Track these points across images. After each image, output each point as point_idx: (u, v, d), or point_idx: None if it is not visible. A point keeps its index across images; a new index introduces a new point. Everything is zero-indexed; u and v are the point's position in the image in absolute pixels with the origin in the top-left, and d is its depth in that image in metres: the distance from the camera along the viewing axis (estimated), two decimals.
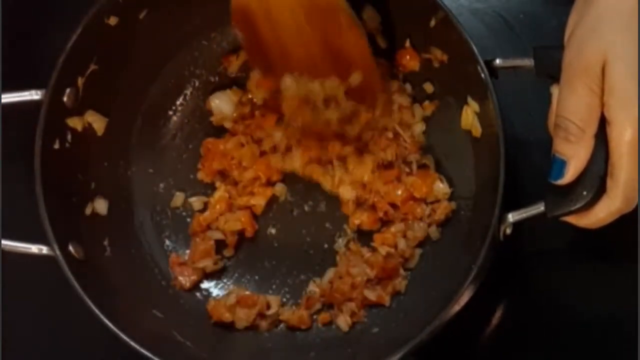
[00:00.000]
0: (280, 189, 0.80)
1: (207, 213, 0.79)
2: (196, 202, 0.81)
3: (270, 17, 0.72)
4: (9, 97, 0.72)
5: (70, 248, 0.71)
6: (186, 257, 0.80)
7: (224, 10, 0.80)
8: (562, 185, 0.63)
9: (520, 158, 0.77)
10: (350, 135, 0.77)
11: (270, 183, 0.80)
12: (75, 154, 0.75)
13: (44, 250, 0.69)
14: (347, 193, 0.77)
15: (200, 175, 0.81)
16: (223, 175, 0.81)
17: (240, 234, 0.80)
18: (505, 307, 0.76)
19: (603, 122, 0.60)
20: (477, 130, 0.73)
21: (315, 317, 0.77)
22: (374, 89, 0.76)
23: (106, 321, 0.67)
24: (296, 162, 0.78)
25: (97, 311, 0.67)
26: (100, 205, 0.77)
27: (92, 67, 0.74)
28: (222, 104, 0.82)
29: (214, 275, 0.80)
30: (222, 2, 0.79)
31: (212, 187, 0.81)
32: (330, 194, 0.79)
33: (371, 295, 0.75)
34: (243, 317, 0.76)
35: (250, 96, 0.82)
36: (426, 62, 0.77)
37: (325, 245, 0.79)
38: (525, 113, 0.78)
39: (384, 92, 0.77)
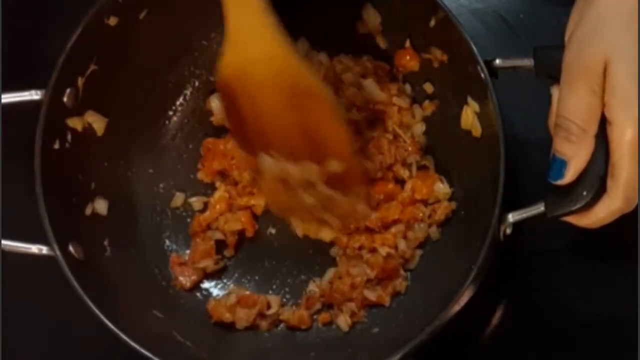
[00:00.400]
0: None
1: (207, 213, 0.80)
2: (196, 202, 0.81)
3: (252, 98, 0.70)
4: (9, 97, 0.72)
5: (70, 248, 0.70)
6: (186, 257, 0.80)
7: (223, 10, 0.81)
8: (562, 185, 0.63)
9: (520, 158, 0.77)
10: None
11: None
12: (75, 154, 0.75)
13: (44, 250, 0.69)
14: (327, 235, 0.78)
15: (200, 175, 0.81)
16: (223, 175, 0.81)
17: (241, 234, 0.80)
18: (505, 307, 0.76)
19: (603, 122, 0.61)
20: (477, 130, 0.73)
21: (315, 317, 0.77)
22: (354, 181, 0.74)
23: (106, 321, 0.67)
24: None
25: (97, 311, 0.67)
26: (101, 206, 0.77)
27: (92, 67, 0.74)
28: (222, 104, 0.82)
29: (214, 275, 0.80)
30: (220, 3, 0.79)
31: (212, 187, 0.81)
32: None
33: (371, 295, 0.76)
34: (243, 317, 0.76)
35: None
36: (426, 62, 0.77)
37: (325, 245, 0.79)
38: (525, 113, 0.78)
39: (364, 185, 0.75)
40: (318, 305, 0.77)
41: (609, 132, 0.60)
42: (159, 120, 0.83)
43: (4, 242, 0.70)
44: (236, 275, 0.80)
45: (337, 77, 0.79)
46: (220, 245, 0.80)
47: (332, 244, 0.79)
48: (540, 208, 0.65)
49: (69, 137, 0.74)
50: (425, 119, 0.79)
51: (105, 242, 0.76)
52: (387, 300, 0.76)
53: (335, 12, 0.78)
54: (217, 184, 0.81)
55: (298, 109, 0.70)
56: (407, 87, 0.80)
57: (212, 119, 0.82)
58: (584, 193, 0.63)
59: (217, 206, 0.79)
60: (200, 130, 0.82)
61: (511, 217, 0.66)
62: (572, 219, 0.65)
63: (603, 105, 0.60)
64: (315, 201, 0.74)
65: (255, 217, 0.80)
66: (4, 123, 0.73)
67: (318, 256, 0.79)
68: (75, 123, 0.75)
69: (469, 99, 0.73)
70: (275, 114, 0.70)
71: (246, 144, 0.74)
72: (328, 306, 0.77)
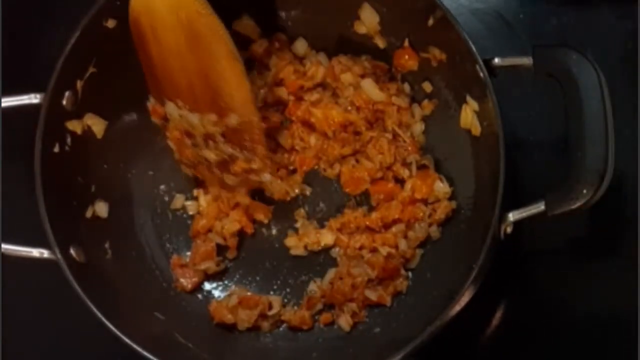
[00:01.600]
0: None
1: (204, 221, 0.79)
2: (191, 205, 0.81)
3: (157, 37, 0.71)
4: (9, 101, 0.72)
5: (72, 251, 0.71)
6: (187, 259, 0.80)
7: (222, 11, 0.80)
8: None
9: (520, 157, 0.77)
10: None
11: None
12: (75, 157, 0.75)
13: (45, 254, 0.69)
14: (327, 239, 0.78)
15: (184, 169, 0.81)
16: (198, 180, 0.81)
17: (241, 233, 0.80)
18: (506, 307, 0.76)
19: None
20: (476, 129, 0.73)
21: (316, 317, 0.77)
22: (252, 139, 0.75)
23: (108, 323, 0.68)
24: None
25: (98, 313, 0.68)
26: (101, 208, 0.77)
27: (91, 70, 0.74)
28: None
29: (216, 276, 0.80)
30: (220, 3, 0.79)
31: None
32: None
33: (372, 295, 0.76)
34: (245, 318, 0.76)
35: None
36: (425, 61, 0.77)
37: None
38: (525, 112, 0.78)
39: (262, 145, 0.75)
40: (319, 306, 0.77)
41: None
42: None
43: (4, 246, 0.70)
44: (237, 276, 0.80)
45: (336, 77, 0.79)
46: (221, 246, 0.80)
47: (332, 244, 0.79)
48: (540, 207, 0.65)
49: (69, 140, 0.74)
50: (425, 119, 0.79)
51: (106, 245, 0.76)
52: (388, 300, 0.76)
53: (334, 12, 0.78)
54: (195, 192, 0.81)
55: (196, 51, 0.71)
56: (406, 87, 0.80)
57: None
58: (584, 191, 0.63)
59: (209, 213, 0.79)
60: None
61: (511, 216, 0.67)
62: None
63: None
64: (215, 157, 0.75)
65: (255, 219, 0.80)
66: (4, 127, 0.73)
67: (319, 256, 0.79)
68: (74, 126, 0.75)
69: (468, 98, 0.73)
70: (176, 56, 0.71)
71: (156, 90, 0.75)
72: (329, 306, 0.77)
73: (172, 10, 0.70)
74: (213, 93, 0.73)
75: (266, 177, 0.77)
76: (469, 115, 0.73)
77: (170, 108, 0.74)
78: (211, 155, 0.74)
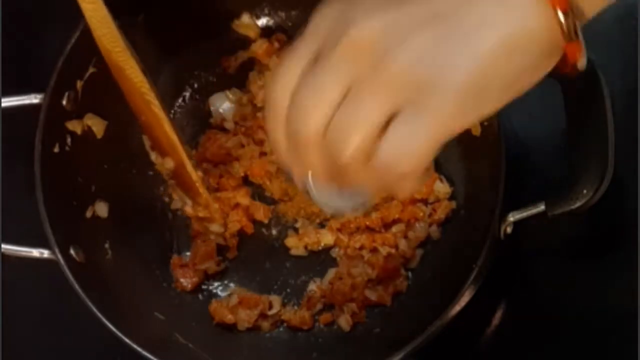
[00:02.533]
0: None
1: (200, 227, 0.79)
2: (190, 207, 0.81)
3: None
4: (9, 101, 0.72)
5: (72, 251, 0.71)
6: (187, 259, 0.80)
7: (222, 11, 0.81)
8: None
9: (520, 157, 0.77)
10: None
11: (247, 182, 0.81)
12: (75, 157, 0.75)
13: (45, 254, 0.69)
14: (327, 239, 0.78)
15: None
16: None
17: (241, 233, 0.80)
18: (506, 307, 0.76)
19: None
20: (476, 129, 0.73)
21: (316, 317, 0.77)
22: (192, 187, 0.77)
23: (108, 324, 0.67)
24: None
25: (99, 314, 0.68)
26: (101, 208, 0.77)
27: (91, 70, 0.74)
28: (221, 104, 0.82)
29: (216, 276, 0.80)
30: (219, 3, 0.79)
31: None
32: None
33: (372, 295, 0.76)
34: (245, 318, 0.76)
35: (250, 97, 0.82)
36: None
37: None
38: (525, 112, 0.78)
39: (201, 196, 0.77)
40: (319, 306, 0.77)
41: None
42: None
43: (4, 246, 0.70)
44: (237, 276, 0.80)
45: None
46: (221, 246, 0.80)
47: (332, 244, 0.79)
48: (540, 207, 0.65)
49: (69, 140, 0.74)
50: None
51: (106, 245, 0.76)
52: (388, 300, 0.76)
53: None
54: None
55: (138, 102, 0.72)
56: None
57: (212, 120, 0.82)
58: (584, 191, 0.63)
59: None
60: (200, 132, 0.82)
61: (511, 216, 0.66)
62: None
63: None
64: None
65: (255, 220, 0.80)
66: (4, 127, 0.73)
67: (319, 256, 0.79)
68: (74, 126, 0.75)
69: None
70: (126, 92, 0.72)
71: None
72: (329, 306, 0.77)
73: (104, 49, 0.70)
74: (150, 131, 0.74)
75: (214, 227, 0.78)
76: None
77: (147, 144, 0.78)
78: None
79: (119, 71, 0.69)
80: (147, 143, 0.78)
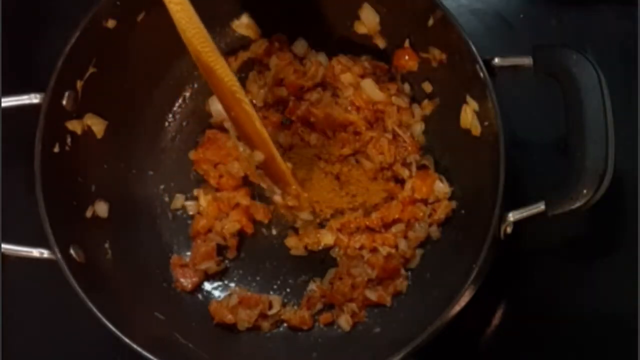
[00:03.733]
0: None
1: (204, 221, 0.80)
2: (191, 206, 0.81)
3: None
4: (9, 101, 0.72)
5: (72, 251, 0.71)
6: (187, 259, 0.80)
7: (221, 11, 0.81)
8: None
9: (520, 158, 0.77)
10: None
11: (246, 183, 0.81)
12: (75, 157, 0.75)
13: (45, 254, 0.69)
14: (327, 239, 0.78)
15: (194, 165, 0.81)
16: (202, 181, 0.81)
17: (241, 233, 0.80)
18: (506, 307, 0.76)
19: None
20: (476, 129, 0.73)
21: (316, 317, 0.77)
22: (283, 178, 0.77)
23: (108, 324, 0.67)
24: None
25: (99, 314, 0.68)
26: (101, 208, 0.77)
27: (91, 70, 0.74)
28: (221, 105, 0.82)
29: (216, 276, 0.80)
30: (219, 3, 0.79)
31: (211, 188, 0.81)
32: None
33: (372, 295, 0.76)
34: (245, 318, 0.76)
35: (250, 97, 0.82)
36: (425, 61, 0.77)
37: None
38: (525, 113, 0.78)
39: (291, 185, 0.78)
40: (319, 306, 0.77)
41: None
42: (159, 122, 0.83)
43: (4, 246, 0.70)
44: (237, 276, 0.80)
45: (336, 77, 0.79)
46: (221, 246, 0.80)
47: (332, 244, 0.79)
48: (540, 207, 0.65)
49: (69, 140, 0.74)
50: (425, 119, 0.79)
51: (106, 245, 0.76)
52: (388, 300, 0.76)
53: (334, 12, 0.78)
54: (195, 191, 0.81)
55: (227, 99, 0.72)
56: (406, 87, 0.80)
57: (212, 120, 0.82)
58: (584, 191, 0.63)
59: (209, 213, 0.79)
60: (200, 132, 0.82)
61: (511, 216, 0.67)
62: None
63: None
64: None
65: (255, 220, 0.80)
66: (4, 127, 0.73)
67: (319, 256, 0.79)
68: (74, 126, 0.75)
69: (468, 98, 0.73)
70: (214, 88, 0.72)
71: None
72: (329, 306, 0.77)
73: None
74: (239, 125, 0.75)
75: (304, 215, 0.79)
76: (469, 115, 0.73)
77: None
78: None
79: (209, 71, 0.69)
80: (233, 134, 0.78)
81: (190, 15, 0.66)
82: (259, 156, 0.76)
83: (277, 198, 0.79)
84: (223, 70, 0.70)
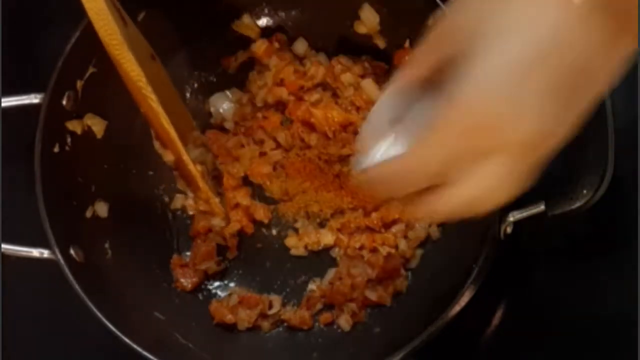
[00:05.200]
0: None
1: (204, 221, 0.79)
2: (191, 206, 0.81)
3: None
4: (9, 101, 0.72)
5: (72, 251, 0.71)
6: (187, 259, 0.80)
7: (221, 11, 0.81)
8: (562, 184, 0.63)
9: None
10: None
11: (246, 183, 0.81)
12: (75, 157, 0.75)
13: (45, 254, 0.69)
14: (327, 239, 0.78)
15: None
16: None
17: (241, 233, 0.80)
18: (506, 307, 0.76)
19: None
20: None
21: (316, 317, 0.77)
22: (191, 181, 0.76)
23: (108, 324, 0.67)
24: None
25: (99, 314, 0.68)
26: (101, 208, 0.77)
27: (91, 70, 0.74)
28: (221, 105, 0.82)
29: (216, 276, 0.80)
30: (219, 3, 0.79)
31: None
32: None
33: (372, 295, 0.76)
34: (245, 317, 0.76)
35: (250, 97, 0.82)
36: None
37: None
38: None
39: (200, 190, 0.76)
40: (319, 306, 0.77)
41: None
42: None
43: (4, 246, 0.70)
44: (237, 276, 0.80)
45: (336, 78, 0.79)
46: (221, 246, 0.80)
47: (332, 244, 0.79)
48: (540, 207, 0.65)
49: (69, 140, 0.74)
50: None
51: (106, 245, 0.76)
52: (388, 300, 0.76)
53: (333, 12, 0.78)
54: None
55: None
56: None
57: (212, 120, 0.82)
58: (584, 191, 0.63)
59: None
60: (200, 132, 0.82)
61: (511, 216, 0.67)
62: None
63: None
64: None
65: (254, 220, 0.80)
66: (4, 127, 0.73)
67: (319, 256, 0.79)
68: (74, 126, 0.75)
69: None
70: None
71: None
72: (329, 306, 0.77)
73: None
74: (150, 122, 0.74)
75: (216, 221, 0.78)
76: None
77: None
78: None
79: (117, 64, 0.70)
80: (153, 132, 0.77)
81: (100, 7, 0.67)
82: (168, 156, 0.75)
83: (190, 202, 0.78)
84: (129, 65, 0.69)
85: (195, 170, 0.75)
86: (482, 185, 0.47)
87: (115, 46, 0.68)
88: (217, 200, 0.77)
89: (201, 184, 0.76)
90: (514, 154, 0.46)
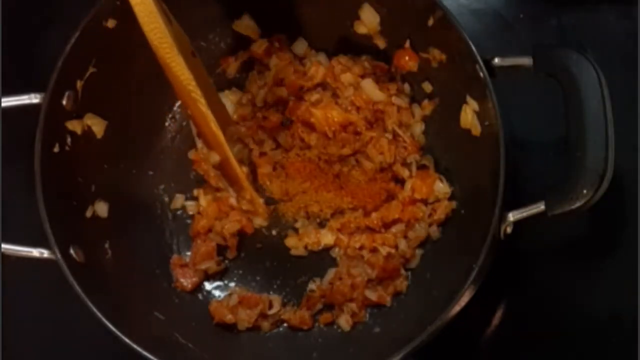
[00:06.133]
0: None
1: (204, 221, 0.80)
2: (191, 206, 0.81)
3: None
4: (9, 101, 0.72)
5: (71, 251, 0.71)
6: (187, 259, 0.80)
7: (222, 11, 0.81)
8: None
9: (520, 157, 0.77)
10: None
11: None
12: (75, 157, 0.75)
13: (45, 254, 0.69)
14: (327, 239, 0.78)
15: (194, 165, 0.81)
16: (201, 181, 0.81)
17: (241, 233, 0.80)
18: (506, 307, 0.76)
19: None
20: (476, 129, 0.73)
21: (316, 317, 0.77)
22: (237, 182, 0.77)
23: (108, 324, 0.67)
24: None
25: (98, 314, 0.68)
26: (101, 208, 0.77)
27: (91, 70, 0.74)
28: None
29: (216, 276, 0.80)
30: (220, 3, 0.79)
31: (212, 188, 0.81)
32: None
33: (372, 295, 0.76)
34: (245, 317, 0.76)
35: (250, 97, 0.82)
36: (425, 61, 0.77)
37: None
38: (525, 113, 0.78)
39: (245, 190, 0.77)
40: (319, 306, 0.77)
41: None
42: (158, 122, 0.83)
43: (4, 246, 0.70)
44: (237, 276, 0.80)
45: (336, 78, 0.79)
46: (221, 246, 0.80)
47: (332, 244, 0.79)
48: (540, 207, 0.65)
49: (69, 140, 0.74)
50: (425, 119, 0.79)
51: (106, 245, 0.76)
52: (388, 300, 0.76)
53: (334, 12, 0.78)
54: (195, 191, 0.81)
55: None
56: (406, 87, 0.80)
57: None
58: (584, 191, 0.63)
59: (209, 213, 0.79)
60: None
61: (511, 216, 0.66)
62: None
63: None
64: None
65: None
66: (4, 127, 0.73)
67: (319, 256, 0.79)
68: (74, 126, 0.75)
69: (468, 98, 0.73)
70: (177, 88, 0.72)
71: None
72: (329, 306, 0.77)
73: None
74: (197, 124, 0.74)
75: (258, 221, 0.79)
76: (469, 115, 0.73)
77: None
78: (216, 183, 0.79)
79: (166, 67, 0.69)
80: (193, 130, 0.77)
81: (150, 9, 0.66)
82: (214, 157, 0.76)
83: (232, 201, 0.78)
84: (179, 69, 0.69)
85: (241, 171, 0.75)
86: None
87: (165, 49, 0.68)
88: (261, 200, 0.77)
89: (245, 184, 0.76)
90: None
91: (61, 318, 0.80)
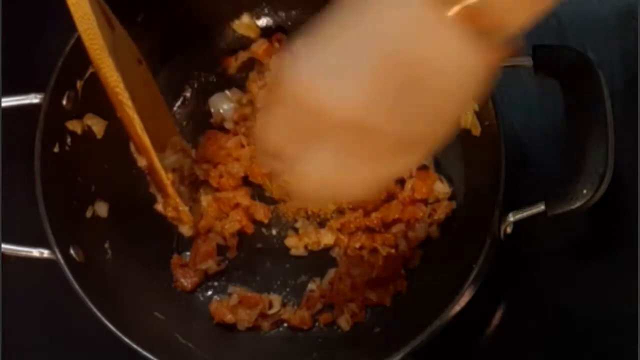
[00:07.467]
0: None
1: (204, 221, 0.79)
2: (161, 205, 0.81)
3: None
4: (9, 101, 0.72)
5: (72, 251, 0.71)
6: (187, 259, 0.80)
7: (222, 11, 0.81)
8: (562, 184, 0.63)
9: (520, 157, 0.77)
10: None
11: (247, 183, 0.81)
12: (75, 157, 0.75)
13: (45, 254, 0.69)
14: (327, 239, 0.78)
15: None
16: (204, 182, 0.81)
17: (241, 233, 0.80)
18: (506, 307, 0.76)
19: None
20: (476, 129, 0.73)
21: (316, 317, 0.77)
22: (161, 187, 0.77)
23: (108, 324, 0.68)
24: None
25: (99, 314, 0.68)
26: (101, 208, 0.77)
27: (91, 70, 0.74)
28: (221, 105, 0.82)
29: (216, 276, 0.80)
30: (220, 3, 0.79)
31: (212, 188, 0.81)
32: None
33: (372, 295, 0.76)
34: (245, 317, 0.76)
35: (250, 97, 0.82)
36: None
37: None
38: (525, 112, 0.78)
39: (170, 197, 0.77)
40: (319, 306, 0.77)
41: None
42: None
43: (4, 246, 0.70)
44: (237, 276, 0.80)
45: None
46: (221, 246, 0.80)
47: (332, 244, 0.79)
48: (540, 207, 0.65)
49: (69, 140, 0.74)
50: None
51: (106, 245, 0.76)
52: (387, 300, 0.76)
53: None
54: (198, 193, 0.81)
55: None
56: None
57: (212, 120, 0.82)
58: (584, 191, 0.63)
59: (209, 213, 0.79)
60: (200, 132, 0.82)
61: (511, 217, 0.67)
62: None
63: None
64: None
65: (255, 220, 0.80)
66: (4, 127, 0.73)
67: (319, 256, 0.79)
68: (74, 126, 0.75)
69: None
70: None
71: None
72: (329, 306, 0.77)
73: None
74: (125, 127, 0.74)
75: (184, 229, 0.79)
76: (469, 115, 0.73)
77: None
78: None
79: (96, 68, 0.70)
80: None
81: (85, 11, 0.67)
82: (141, 162, 0.75)
83: (159, 207, 0.78)
84: (108, 70, 0.69)
85: (165, 178, 0.75)
86: (322, 168, 0.49)
87: (96, 50, 0.69)
88: (186, 208, 0.77)
89: (170, 191, 0.76)
90: (346, 139, 0.47)
91: (61, 318, 0.80)
